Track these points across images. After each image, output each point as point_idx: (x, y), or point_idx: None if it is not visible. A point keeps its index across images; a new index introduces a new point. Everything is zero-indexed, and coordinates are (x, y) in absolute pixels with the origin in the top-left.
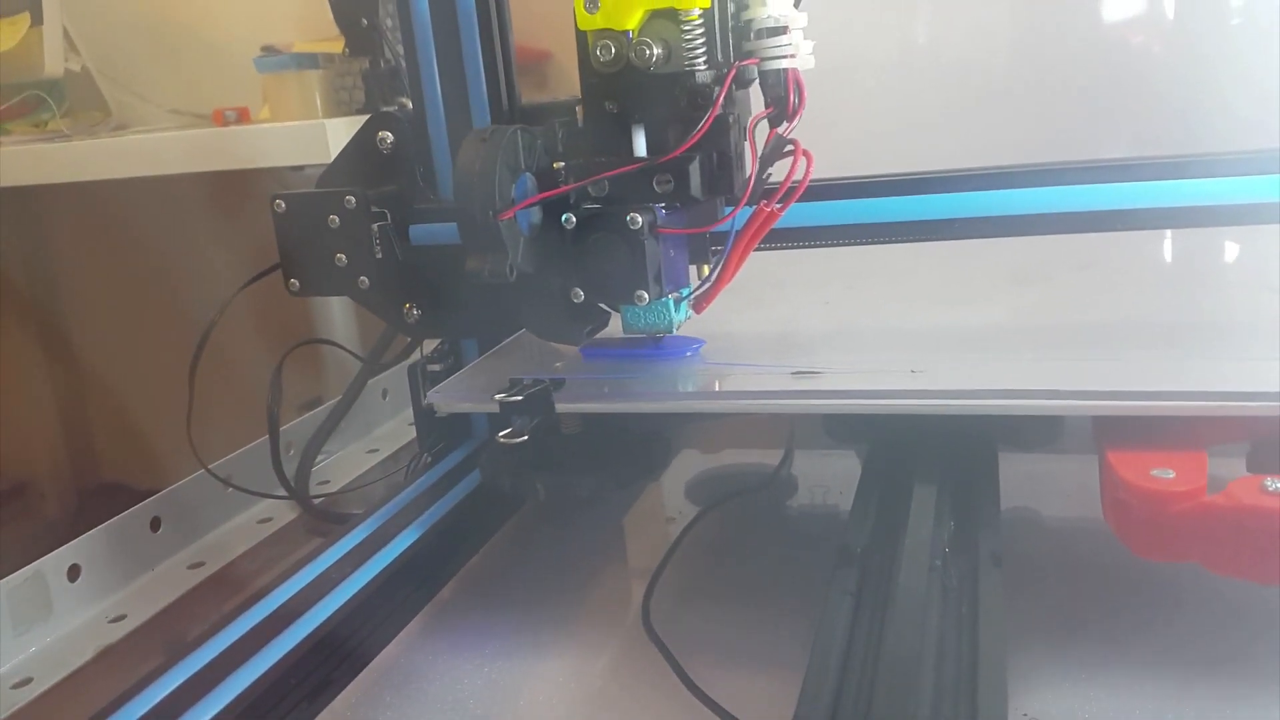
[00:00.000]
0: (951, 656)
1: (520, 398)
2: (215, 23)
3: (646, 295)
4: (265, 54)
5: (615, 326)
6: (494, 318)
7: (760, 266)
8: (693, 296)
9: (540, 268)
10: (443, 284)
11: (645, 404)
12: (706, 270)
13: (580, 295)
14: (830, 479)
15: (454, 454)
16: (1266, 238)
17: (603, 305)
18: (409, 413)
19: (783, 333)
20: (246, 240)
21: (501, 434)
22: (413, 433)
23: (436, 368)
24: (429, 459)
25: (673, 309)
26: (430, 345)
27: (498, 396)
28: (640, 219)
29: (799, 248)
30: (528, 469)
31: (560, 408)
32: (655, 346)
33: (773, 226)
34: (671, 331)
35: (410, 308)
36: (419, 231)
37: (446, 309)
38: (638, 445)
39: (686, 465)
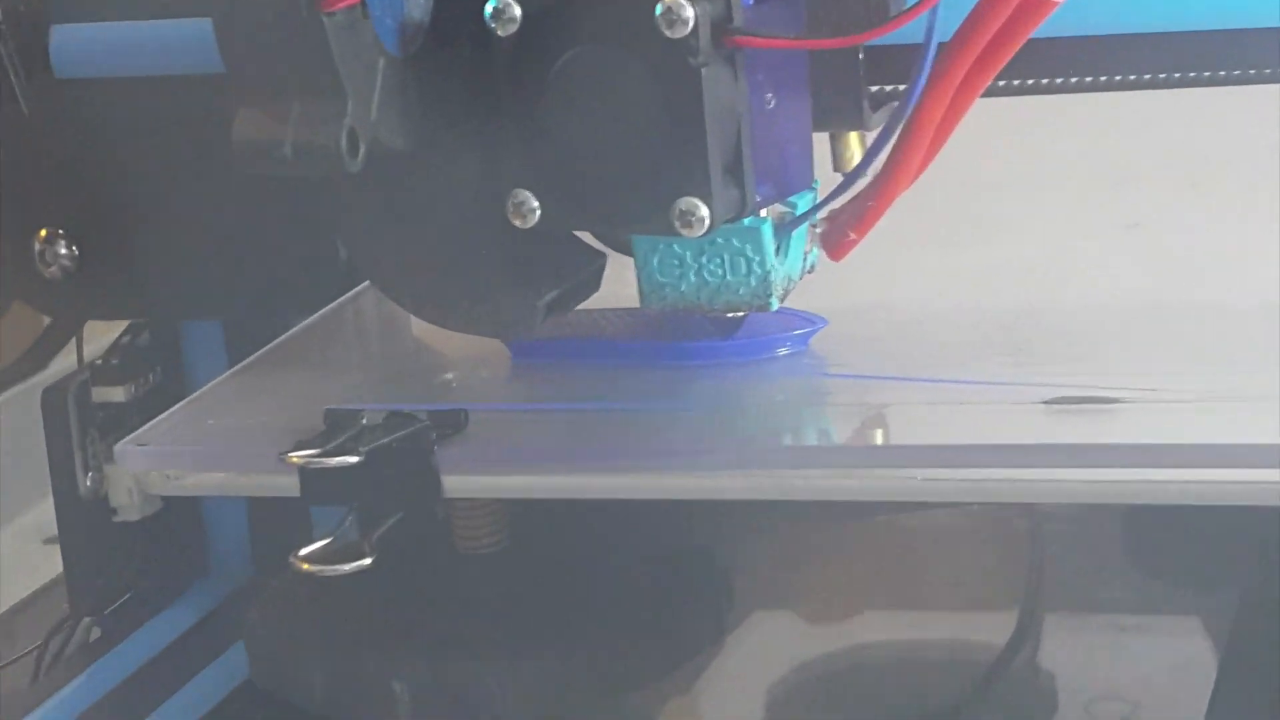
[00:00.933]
0: None
1: (355, 457)
2: None
3: (708, 211)
4: None
5: (618, 293)
6: (286, 268)
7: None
8: (825, 218)
9: (429, 139)
10: (142, 181)
11: (682, 480)
12: (855, 153)
13: (532, 208)
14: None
15: (169, 615)
16: None
17: (581, 236)
18: (42, 511)
19: (1004, 306)
20: None
21: (304, 551)
22: (49, 564)
23: (120, 395)
24: (99, 631)
25: (770, 247)
26: (97, 336)
27: (293, 455)
28: (691, 10)
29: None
30: (369, 651)
31: (451, 482)
32: (717, 339)
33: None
34: (768, 304)
35: (50, 241)
36: (73, 44)
37: (154, 246)
38: (656, 594)
39: (787, 652)
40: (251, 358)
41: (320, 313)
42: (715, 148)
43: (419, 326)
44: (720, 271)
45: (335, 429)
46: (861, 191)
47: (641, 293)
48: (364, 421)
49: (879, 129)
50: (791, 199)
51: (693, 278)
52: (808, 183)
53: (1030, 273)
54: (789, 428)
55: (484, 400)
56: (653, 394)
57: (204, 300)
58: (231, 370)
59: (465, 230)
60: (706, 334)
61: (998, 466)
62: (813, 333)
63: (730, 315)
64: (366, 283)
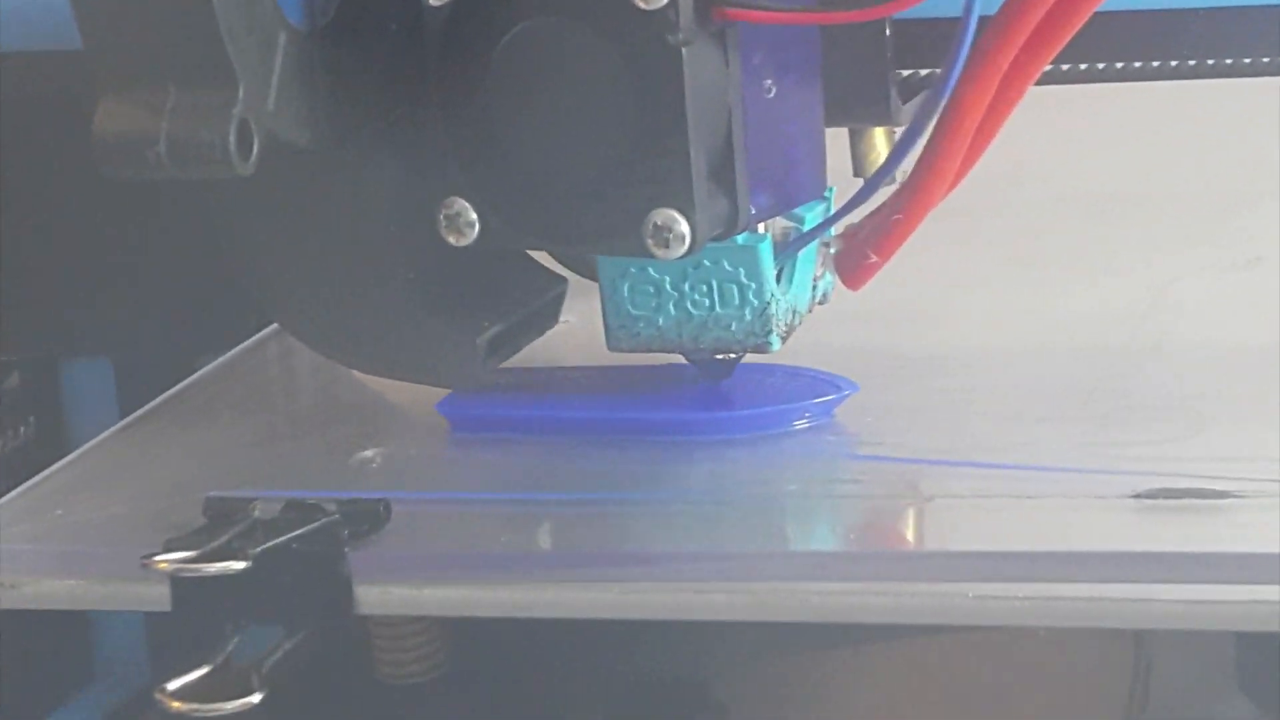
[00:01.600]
0: None
1: (242, 561)
2: None
3: (689, 227)
4: None
5: (583, 338)
6: (190, 297)
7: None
8: (841, 236)
9: (341, 134)
10: (9, 189)
11: (666, 595)
12: (879, 154)
13: (470, 222)
14: None
15: None
16: None
17: (535, 257)
18: None
19: (1083, 365)
20: None
21: (175, 685)
22: None
23: None
24: None
25: (769, 271)
26: None
27: (161, 559)
28: None
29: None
30: None
31: (369, 595)
32: (708, 400)
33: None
34: (767, 343)
35: None
36: None
37: (24, 268)
38: None
39: None
40: (137, 413)
41: (233, 351)
42: (699, 146)
43: (346, 376)
44: (707, 303)
45: (219, 522)
46: (887, 202)
47: (608, 329)
48: (256, 513)
49: (909, 124)
50: (798, 211)
51: (672, 310)
52: (819, 191)
53: (1117, 320)
54: (805, 527)
55: (413, 486)
56: (630, 480)
57: (88, 335)
58: (114, 428)
59: (386, 250)
60: (700, 401)
61: (1075, 581)
62: (838, 400)
63: (720, 358)
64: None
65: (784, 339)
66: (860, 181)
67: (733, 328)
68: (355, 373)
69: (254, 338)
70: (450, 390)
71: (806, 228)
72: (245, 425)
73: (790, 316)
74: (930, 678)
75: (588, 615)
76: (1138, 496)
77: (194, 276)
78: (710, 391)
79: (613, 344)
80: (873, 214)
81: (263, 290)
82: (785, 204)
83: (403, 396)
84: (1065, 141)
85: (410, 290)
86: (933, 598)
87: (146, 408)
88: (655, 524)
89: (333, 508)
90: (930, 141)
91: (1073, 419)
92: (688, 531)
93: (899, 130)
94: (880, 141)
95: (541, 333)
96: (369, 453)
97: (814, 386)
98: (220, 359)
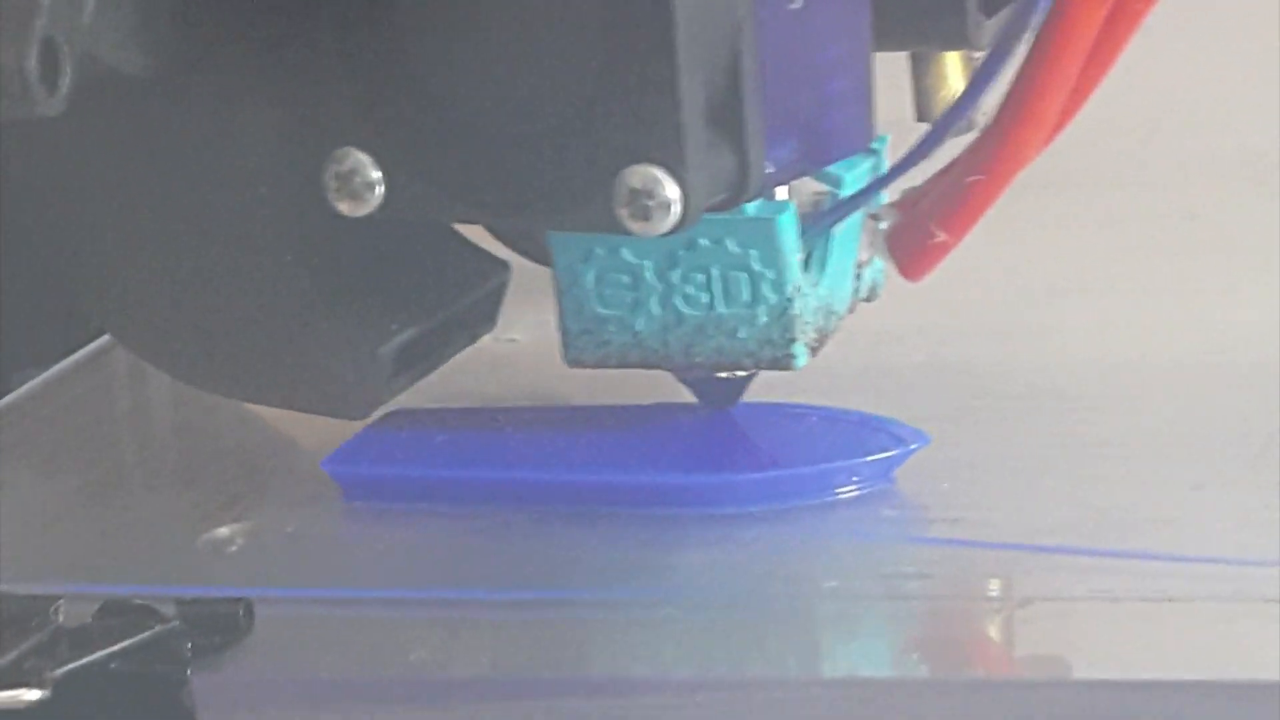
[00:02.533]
0: None
1: (37, 690)
2: None
3: (679, 190)
4: None
5: (533, 363)
6: None
7: None
8: (895, 205)
9: (187, 58)
10: None
11: None
12: (952, 89)
13: (370, 183)
14: None
15: None
16: None
17: (462, 231)
18: None
19: (1258, 402)
20: None
21: None
22: None
23: None
24: None
25: (792, 252)
26: None
27: None
28: None
29: None
30: None
31: None
32: (711, 456)
33: None
34: (789, 356)
35: None
36: None
37: None
38: None
39: None
40: None
41: (57, 367)
42: (692, 77)
43: (208, 410)
44: (704, 298)
45: (7, 630)
46: (960, 158)
47: (565, 335)
48: (59, 618)
49: (993, 47)
50: (833, 170)
51: (656, 309)
52: (864, 142)
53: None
54: (848, 644)
55: (287, 579)
56: (597, 573)
57: None
58: None
59: (254, 225)
60: (700, 456)
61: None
62: (901, 458)
63: (722, 378)
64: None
65: (814, 350)
66: (923, 129)
67: (740, 334)
68: (218, 403)
69: (87, 348)
70: (343, 435)
71: (846, 193)
72: (55, 482)
73: (823, 318)
74: None
75: None
76: None
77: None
78: (714, 444)
79: (572, 356)
80: (940, 174)
81: (83, 283)
82: (816, 159)
83: (281, 443)
84: (1222, 75)
85: (287, 280)
86: None
87: None
88: (632, 637)
89: (171, 611)
90: (1023, 72)
91: (1238, 483)
92: (679, 649)
93: (978, 56)
94: (952, 71)
95: (473, 339)
96: (226, 530)
97: (864, 437)
98: (39, 377)
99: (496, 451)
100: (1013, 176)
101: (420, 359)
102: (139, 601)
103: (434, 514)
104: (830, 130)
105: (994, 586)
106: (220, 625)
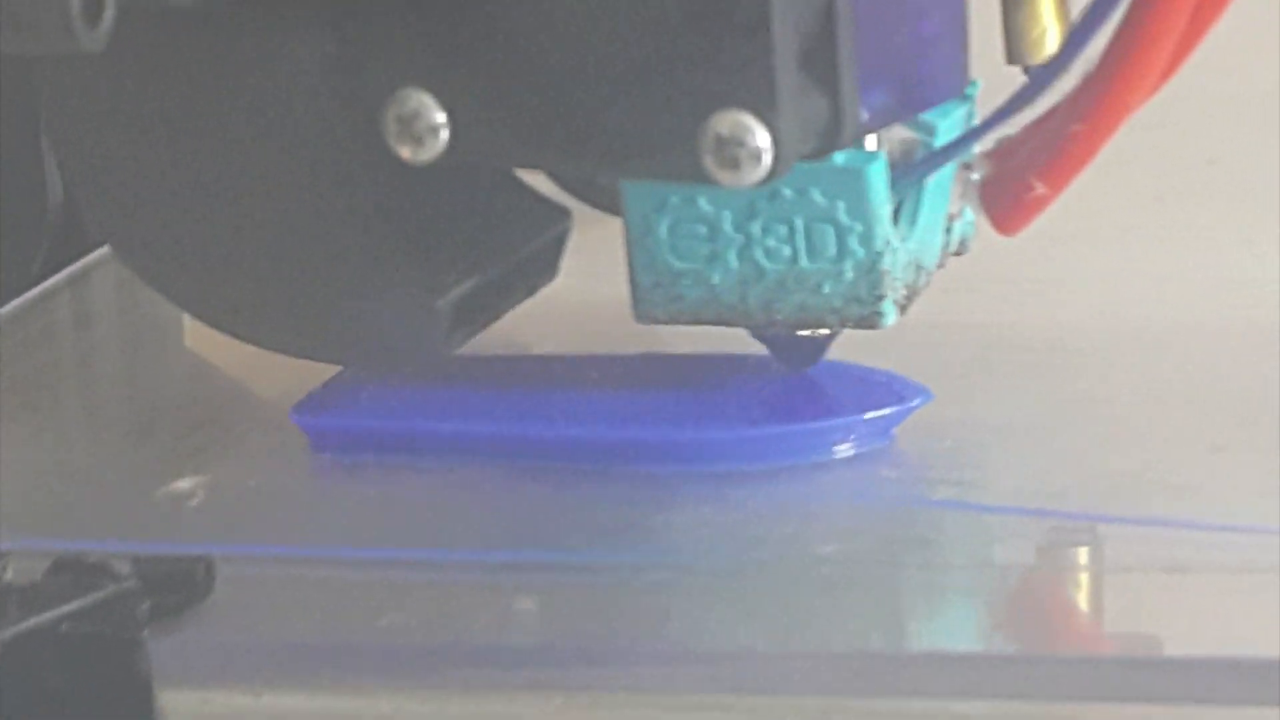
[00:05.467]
0: None
1: None
2: None
3: (770, 137)
4: None
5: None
6: None
7: None
8: (989, 155)
9: None
10: None
11: (644, 712)
12: (1048, 29)
13: (434, 127)
14: None
15: None
16: None
17: (522, 177)
18: None
19: None
20: None
21: None
22: None
23: None
24: None
25: (883, 204)
26: None
27: None
28: None
29: None
30: None
31: (181, 703)
32: (703, 412)
33: None
34: (878, 314)
35: None
36: None
37: None
38: None
39: None
40: None
41: (6, 307)
42: (784, 18)
43: (162, 354)
44: (786, 251)
45: None
46: (1060, 105)
47: (636, 289)
48: (7, 575)
49: None
50: (926, 117)
51: (734, 262)
52: (959, 87)
53: None
54: (845, 610)
55: (250, 536)
56: (584, 534)
57: None
58: None
59: (305, 169)
60: (693, 412)
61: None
62: (902, 415)
63: (803, 336)
64: (86, 262)
65: (903, 309)
66: (1013, 74)
67: (825, 290)
68: (174, 350)
69: (36, 289)
70: (311, 383)
71: (940, 141)
72: (14, 428)
73: (913, 274)
74: None
75: None
76: None
77: None
78: (704, 398)
79: (643, 311)
80: (1038, 123)
81: (110, 223)
82: (911, 105)
83: (244, 392)
84: (1251, 11)
85: (339, 228)
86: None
87: None
88: (617, 602)
89: (126, 568)
90: (1132, 13)
91: (1260, 445)
92: (670, 614)
93: None
94: (1045, 9)
95: (531, 292)
96: (186, 483)
97: (863, 392)
98: None
99: (474, 403)
100: (1117, 126)
101: (479, 312)
102: (93, 559)
103: (408, 469)
104: (925, 74)
105: (999, 553)
106: (179, 584)
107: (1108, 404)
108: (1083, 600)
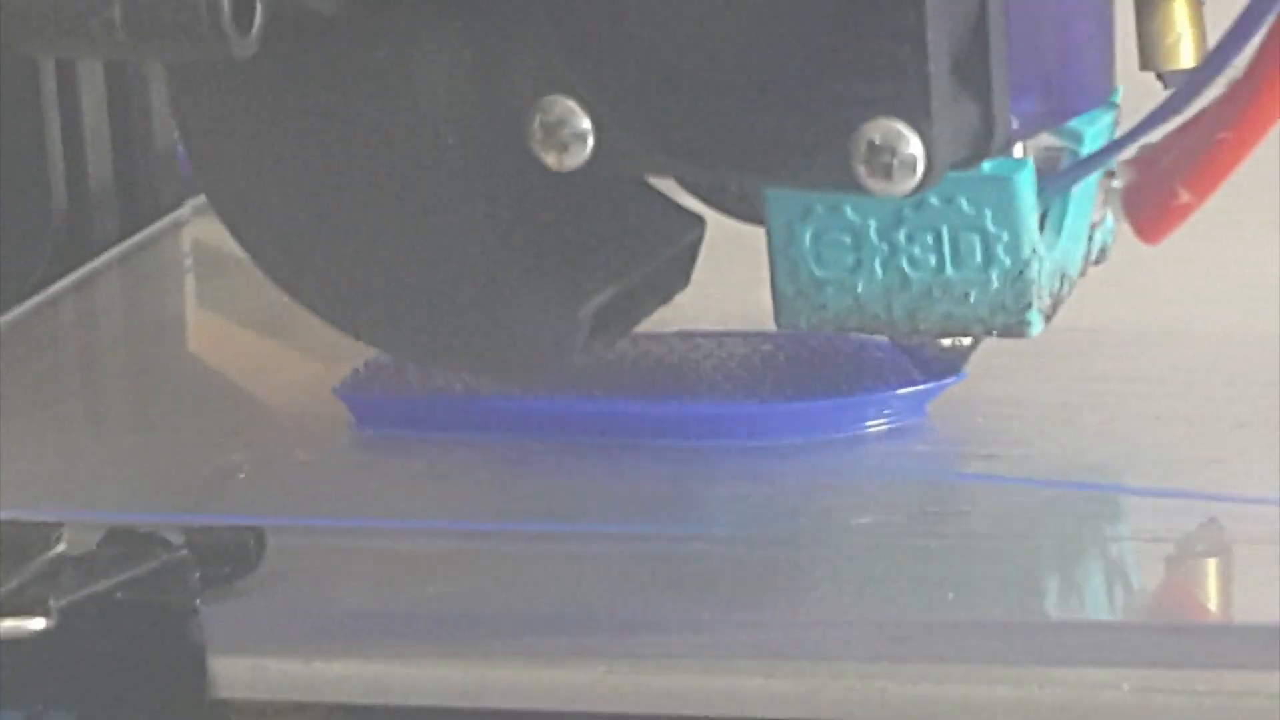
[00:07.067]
0: None
1: (40, 619)
2: None
3: (923, 146)
4: None
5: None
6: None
7: None
8: (1132, 163)
9: None
10: None
11: (684, 678)
12: (1185, 36)
13: (579, 134)
14: None
15: None
16: None
17: (658, 187)
18: None
19: None
20: None
21: None
22: None
23: None
24: None
25: (1030, 213)
26: None
27: None
28: None
29: None
30: None
31: (234, 669)
32: (738, 388)
33: None
34: (1024, 323)
35: None
36: None
37: None
38: None
39: None
40: None
41: (27, 304)
42: (938, 25)
43: (209, 340)
44: (932, 260)
45: (7, 558)
46: (1206, 112)
47: (778, 296)
48: (61, 546)
49: None
50: (1073, 125)
51: (879, 271)
52: (1105, 95)
53: None
54: (881, 582)
55: (299, 508)
56: (622, 507)
57: None
58: None
59: (446, 175)
60: (727, 388)
61: None
62: (934, 391)
63: (947, 346)
64: (115, 253)
65: (1048, 317)
66: (1149, 81)
67: (972, 299)
68: (223, 327)
69: (73, 274)
70: (355, 360)
71: (1086, 150)
72: (53, 408)
73: (1058, 283)
74: None
75: (559, 708)
76: None
77: None
78: (741, 374)
79: (786, 319)
80: (1182, 130)
81: (246, 229)
82: (1059, 113)
83: (291, 369)
84: None
85: (479, 235)
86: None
87: None
88: (661, 573)
89: (179, 539)
90: None
91: None
92: (710, 584)
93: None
94: (1180, 15)
95: (666, 300)
96: (235, 457)
97: (896, 369)
98: (23, 304)
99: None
100: (1265, 133)
101: (615, 321)
102: (146, 529)
103: (450, 443)
104: (1073, 82)
105: (1031, 525)
106: (230, 554)
107: (1134, 381)
108: (1114, 569)
